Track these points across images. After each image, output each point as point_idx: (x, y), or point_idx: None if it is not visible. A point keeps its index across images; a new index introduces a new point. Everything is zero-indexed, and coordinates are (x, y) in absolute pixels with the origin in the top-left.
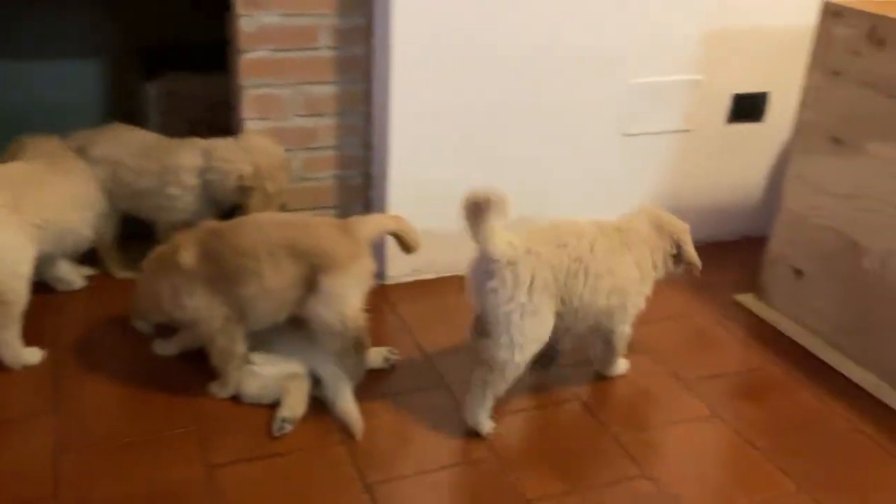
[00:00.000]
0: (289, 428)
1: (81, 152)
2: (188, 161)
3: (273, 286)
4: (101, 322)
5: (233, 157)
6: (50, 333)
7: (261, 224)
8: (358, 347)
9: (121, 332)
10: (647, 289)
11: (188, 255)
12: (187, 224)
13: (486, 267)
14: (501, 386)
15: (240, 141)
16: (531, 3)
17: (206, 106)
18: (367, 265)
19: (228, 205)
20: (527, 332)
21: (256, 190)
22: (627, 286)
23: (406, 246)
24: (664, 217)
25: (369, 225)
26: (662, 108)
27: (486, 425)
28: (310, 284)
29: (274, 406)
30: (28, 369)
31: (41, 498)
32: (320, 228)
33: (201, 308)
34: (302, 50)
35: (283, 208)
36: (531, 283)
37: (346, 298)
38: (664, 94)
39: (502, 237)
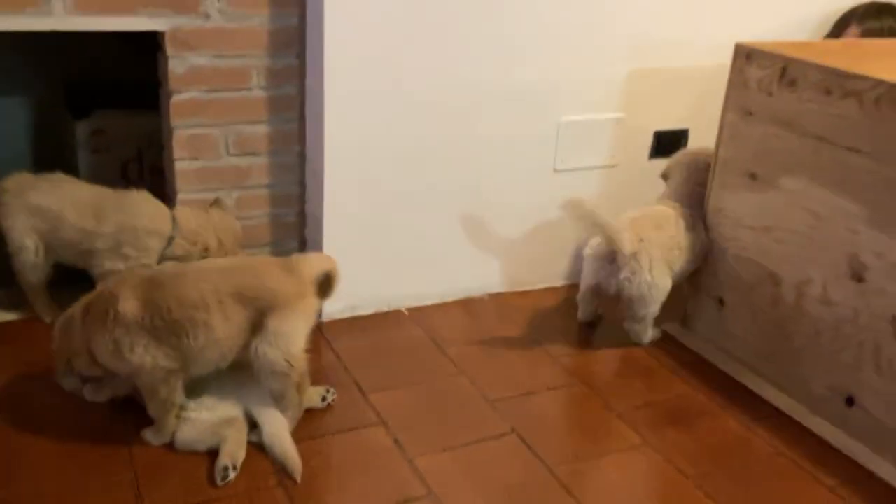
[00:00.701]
0: (232, 475)
1: (17, 196)
2: (155, 225)
3: (222, 335)
4: (28, 367)
5: (201, 229)
6: None
7: (204, 272)
8: (299, 388)
9: (49, 378)
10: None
11: (129, 307)
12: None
13: (613, 258)
14: (648, 325)
15: (206, 214)
16: (463, 44)
17: (137, 145)
18: (312, 304)
19: None
20: (654, 297)
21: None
22: (702, 255)
23: (328, 289)
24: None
25: (312, 263)
26: (590, 144)
27: (655, 334)
28: (255, 327)
29: (209, 452)
30: None
31: None
32: (265, 269)
33: (145, 362)
34: (234, 90)
35: None
36: (650, 264)
37: (293, 338)
38: (591, 132)
39: (628, 236)
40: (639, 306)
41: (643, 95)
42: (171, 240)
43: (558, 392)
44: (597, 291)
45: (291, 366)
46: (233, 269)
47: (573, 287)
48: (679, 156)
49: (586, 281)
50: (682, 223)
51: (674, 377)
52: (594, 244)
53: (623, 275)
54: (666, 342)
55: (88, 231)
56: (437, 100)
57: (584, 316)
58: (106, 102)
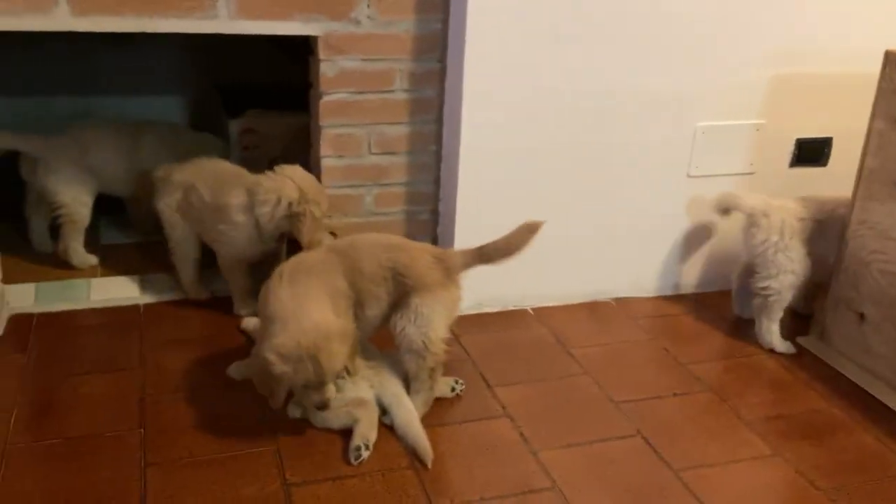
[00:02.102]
0: (366, 454)
1: (166, 178)
2: (234, 200)
3: (384, 307)
4: (179, 343)
5: (277, 186)
6: (135, 353)
7: (373, 246)
8: (432, 373)
9: (199, 353)
10: None
11: (341, 284)
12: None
13: (749, 220)
14: (774, 311)
15: (278, 172)
16: (601, 48)
17: (283, 143)
18: (456, 295)
19: (278, 235)
20: (780, 264)
21: (305, 215)
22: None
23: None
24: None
25: (463, 258)
26: (727, 150)
27: (781, 345)
28: (398, 303)
29: (343, 431)
30: (116, 390)
31: None
32: (417, 252)
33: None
34: (378, 92)
35: (331, 233)
36: (781, 226)
37: (432, 321)
38: (729, 138)
39: (751, 196)
40: (764, 277)
41: (785, 102)
42: (254, 207)
43: (686, 398)
44: (746, 272)
45: (427, 348)
46: (392, 245)
47: (704, 295)
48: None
49: (740, 260)
50: (823, 212)
51: (808, 390)
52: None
53: (751, 230)
54: (800, 355)
55: (205, 202)
56: (574, 104)
57: (738, 306)
58: (256, 103)
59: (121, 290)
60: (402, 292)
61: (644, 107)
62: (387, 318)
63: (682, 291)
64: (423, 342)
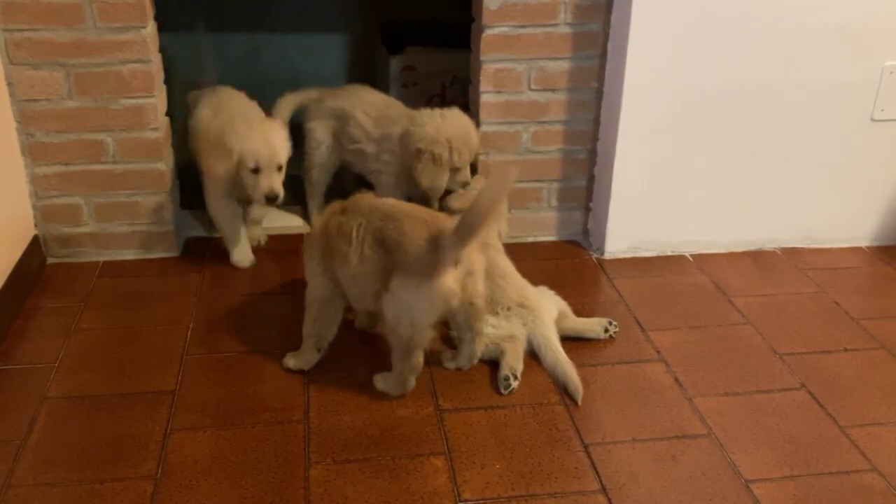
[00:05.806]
0: (514, 384)
1: (320, 103)
2: (397, 130)
3: (358, 272)
4: None
5: (425, 122)
6: (301, 278)
7: (364, 207)
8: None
9: None
10: None
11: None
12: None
13: None
14: None
15: (440, 112)
16: None
17: (442, 81)
18: (444, 285)
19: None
20: None
21: (424, 154)
22: None
23: None
24: None
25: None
26: None
27: None
28: (386, 280)
29: (490, 363)
30: (283, 311)
31: (294, 420)
32: (410, 223)
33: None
34: (541, 26)
35: (464, 185)
36: None
37: (411, 308)
38: None
39: None
40: None
41: None
42: (403, 137)
43: (857, 354)
44: None
45: (405, 334)
46: (384, 211)
47: (881, 249)
48: None
49: None
50: None
51: None
52: None
53: None
54: None
55: (366, 131)
56: (746, 40)
57: None
58: (416, 40)
59: (290, 220)
60: (387, 266)
61: (824, 42)
62: (369, 290)
63: (858, 244)
64: (403, 327)
